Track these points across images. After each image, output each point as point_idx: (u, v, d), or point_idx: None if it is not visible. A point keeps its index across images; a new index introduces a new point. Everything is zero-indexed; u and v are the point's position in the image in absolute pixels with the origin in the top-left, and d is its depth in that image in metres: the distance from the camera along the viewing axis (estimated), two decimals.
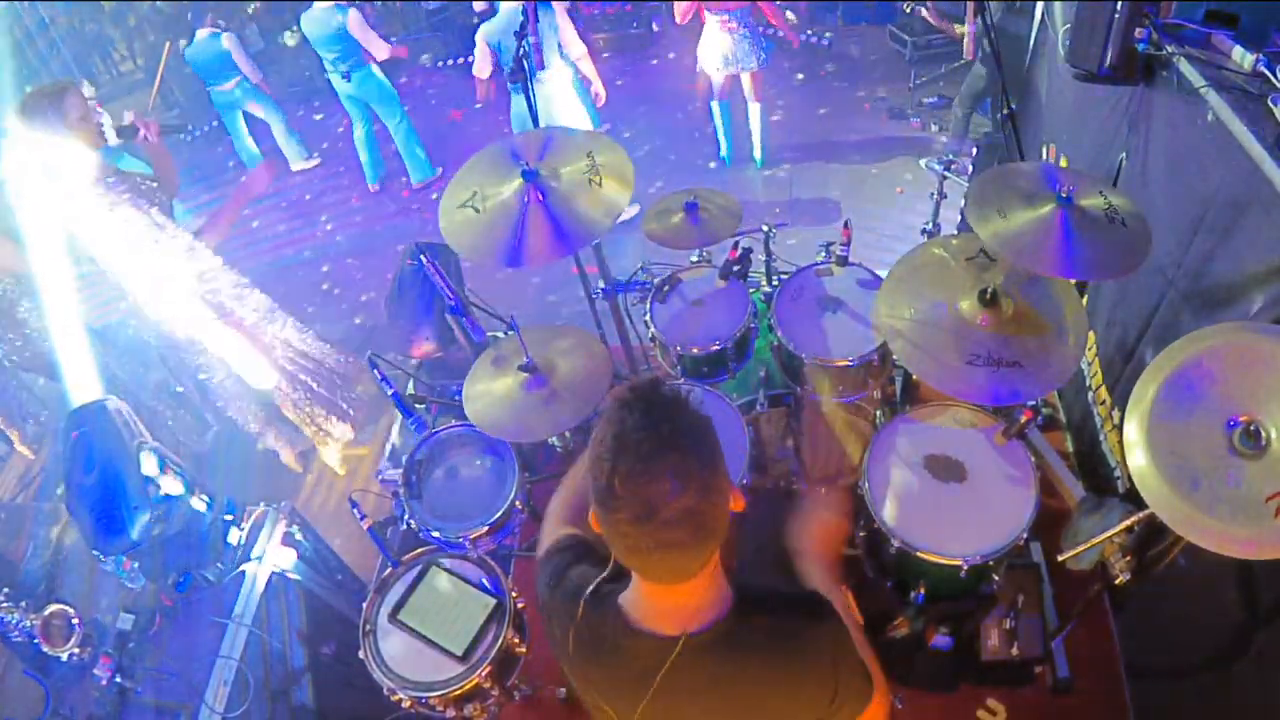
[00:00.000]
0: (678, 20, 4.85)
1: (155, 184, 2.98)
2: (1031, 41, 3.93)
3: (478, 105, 5.40)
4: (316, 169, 6.66)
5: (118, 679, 2.15)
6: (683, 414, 1.09)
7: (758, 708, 1.19)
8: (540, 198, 2.14)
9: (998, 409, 2.12)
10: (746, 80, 4.93)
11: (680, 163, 5.71)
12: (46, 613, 2.17)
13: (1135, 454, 1.56)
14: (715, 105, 5.20)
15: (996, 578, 2.13)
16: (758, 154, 5.38)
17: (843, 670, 1.21)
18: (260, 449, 3.82)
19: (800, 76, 6.42)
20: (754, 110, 5.14)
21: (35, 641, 2.15)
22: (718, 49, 4.78)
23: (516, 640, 2.17)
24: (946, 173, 2.60)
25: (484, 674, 2.06)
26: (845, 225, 2.50)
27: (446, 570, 2.24)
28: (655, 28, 7.56)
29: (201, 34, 5.71)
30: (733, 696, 1.18)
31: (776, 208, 5.04)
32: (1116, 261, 1.89)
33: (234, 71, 5.81)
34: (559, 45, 4.25)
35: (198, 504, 2.38)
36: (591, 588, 1.22)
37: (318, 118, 7.39)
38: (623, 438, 1.06)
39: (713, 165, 5.62)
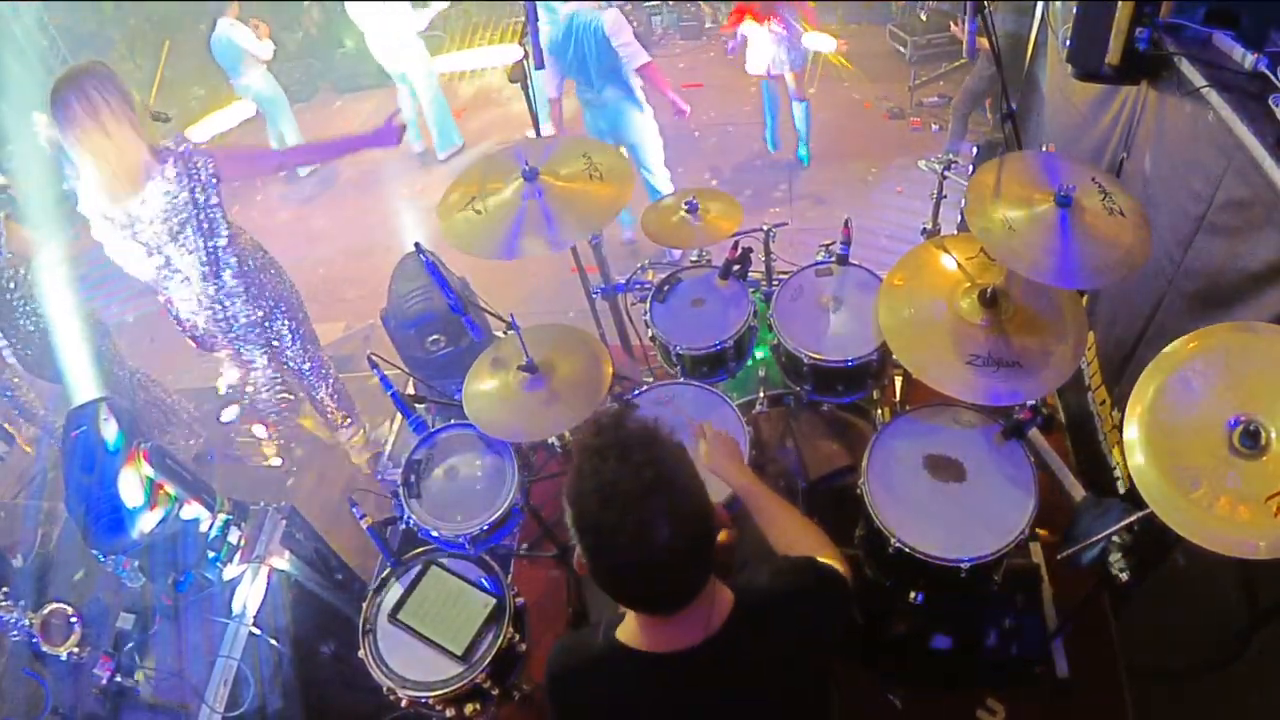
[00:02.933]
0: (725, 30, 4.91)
1: None
2: (1031, 41, 3.93)
3: None
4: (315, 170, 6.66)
5: (117, 678, 2.14)
6: (659, 450, 1.07)
7: (791, 671, 1.21)
8: (538, 195, 2.20)
9: (998, 409, 2.12)
10: (790, 79, 4.95)
11: (673, 162, 5.70)
12: (45, 612, 2.17)
13: (1135, 454, 1.56)
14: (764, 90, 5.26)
15: (996, 578, 2.13)
16: (801, 150, 5.37)
17: (828, 601, 1.28)
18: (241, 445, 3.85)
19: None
20: (797, 109, 5.14)
21: (34, 640, 2.14)
22: (761, 53, 4.84)
23: (516, 639, 2.17)
24: (946, 173, 2.59)
25: (483, 673, 2.06)
26: (845, 225, 2.50)
27: (446, 570, 2.24)
28: (655, 28, 7.56)
29: (224, 24, 5.74)
30: (764, 675, 1.19)
31: (775, 207, 5.05)
32: (1117, 264, 1.89)
33: (249, 64, 5.86)
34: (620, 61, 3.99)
35: (198, 504, 2.38)
36: (604, 639, 1.21)
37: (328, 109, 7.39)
38: (605, 490, 1.03)
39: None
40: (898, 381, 2.76)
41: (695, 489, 1.09)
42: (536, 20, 2.45)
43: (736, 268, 2.52)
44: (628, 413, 1.12)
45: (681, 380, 2.50)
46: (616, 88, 4.10)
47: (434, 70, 6.07)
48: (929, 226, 2.65)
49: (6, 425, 3.80)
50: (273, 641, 2.35)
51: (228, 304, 2.98)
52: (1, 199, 3.75)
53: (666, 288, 2.67)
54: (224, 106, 6.44)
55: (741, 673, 1.16)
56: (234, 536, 2.42)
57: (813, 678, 1.25)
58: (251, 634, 2.30)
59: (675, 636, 1.15)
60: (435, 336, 3.36)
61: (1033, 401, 2.03)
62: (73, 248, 3.31)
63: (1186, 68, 2.14)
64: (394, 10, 5.61)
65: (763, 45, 4.80)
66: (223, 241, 2.84)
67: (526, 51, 2.39)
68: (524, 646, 2.22)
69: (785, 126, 5.40)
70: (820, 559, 1.32)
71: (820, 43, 4.82)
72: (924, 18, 6.28)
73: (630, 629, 1.19)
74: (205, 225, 2.77)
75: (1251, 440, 1.46)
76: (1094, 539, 1.87)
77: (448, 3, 5.95)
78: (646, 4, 7.53)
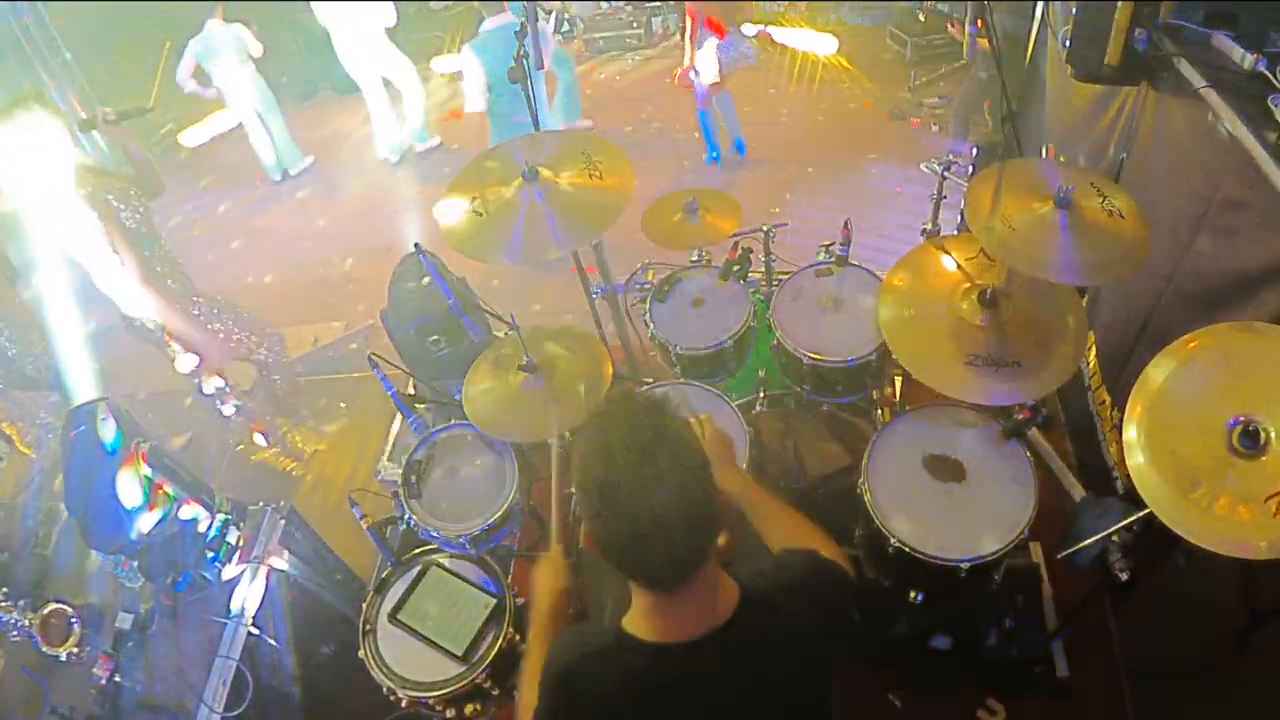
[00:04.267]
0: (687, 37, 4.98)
1: (128, 184, 3.02)
2: (1031, 42, 3.93)
3: None
4: (311, 169, 6.66)
5: (116, 678, 2.14)
6: (662, 418, 1.10)
7: (795, 664, 1.21)
8: (539, 197, 2.18)
9: (997, 409, 2.12)
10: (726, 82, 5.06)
11: (675, 162, 5.71)
12: (45, 612, 2.17)
13: (1134, 454, 1.56)
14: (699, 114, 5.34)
15: (996, 578, 2.13)
16: (736, 139, 5.42)
17: (832, 594, 1.30)
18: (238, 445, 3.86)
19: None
20: (720, 103, 5.21)
21: (34, 640, 2.14)
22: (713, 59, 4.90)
23: (517, 639, 2.17)
24: (946, 173, 2.59)
25: (484, 674, 2.06)
26: (845, 225, 2.50)
27: (446, 570, 2.24)
28: (655, 28, 7.57)
29: (212, 24, 5.73)
30: (769, 666, 1.19)
31: (775, 207, 5.04)
32: (1117, 263, 1.89)
33: (244, 60, 5.85)
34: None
35: (196, 504, 2.38)
36: (610, 629, 1.22)
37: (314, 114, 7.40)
38: (605, 450, 1.07)
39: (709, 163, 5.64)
40: (898, 382, 2.76)
41: (696, 458, 1.10)
42: (536, 20, 2.45)
43: (736, 268, 2.52)
44: (636, 390, 1.14)
45: (682, 380, 2.50)
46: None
47: (411, 67, 6.10)
48: (929, 227, 2.65)
49: (5, 424, 3.80)
50: (271, 641, 2.35)
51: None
52: None
53: (666, 288, 2.67)
54: (222, 108, 6.44)
55: (747, 663, 1.17)
56: (233, 536, 2.42)
57: (816, 673, 1.25)
58: (250, 634, 2.29)
59: (680, 624, 1.15)
60: (435, 337, 3.35)
61: (1032, 401, 2.03)
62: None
63: (1186, 68, 2.14)
64: (366, 10, 5.60)
65: (711, 55, 4.89)
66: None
67: (526, 52, 2.38)
68: (524, 647, 2.22)
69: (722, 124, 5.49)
70: (823, 553, 1.33)
71: (820, 44, 4.83)
72: (922, 18, 6.28)
73: (636, 618, 1.19)
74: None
75: (1251, 440, 1.46)
76: (1094, 539, 1.87)
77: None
78: (647, 4, 7.53)
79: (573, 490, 1.11)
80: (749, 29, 4.79)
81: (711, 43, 4.85)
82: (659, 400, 1.13)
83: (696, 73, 5.04)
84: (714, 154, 5.55)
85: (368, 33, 5.70)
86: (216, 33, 5.75)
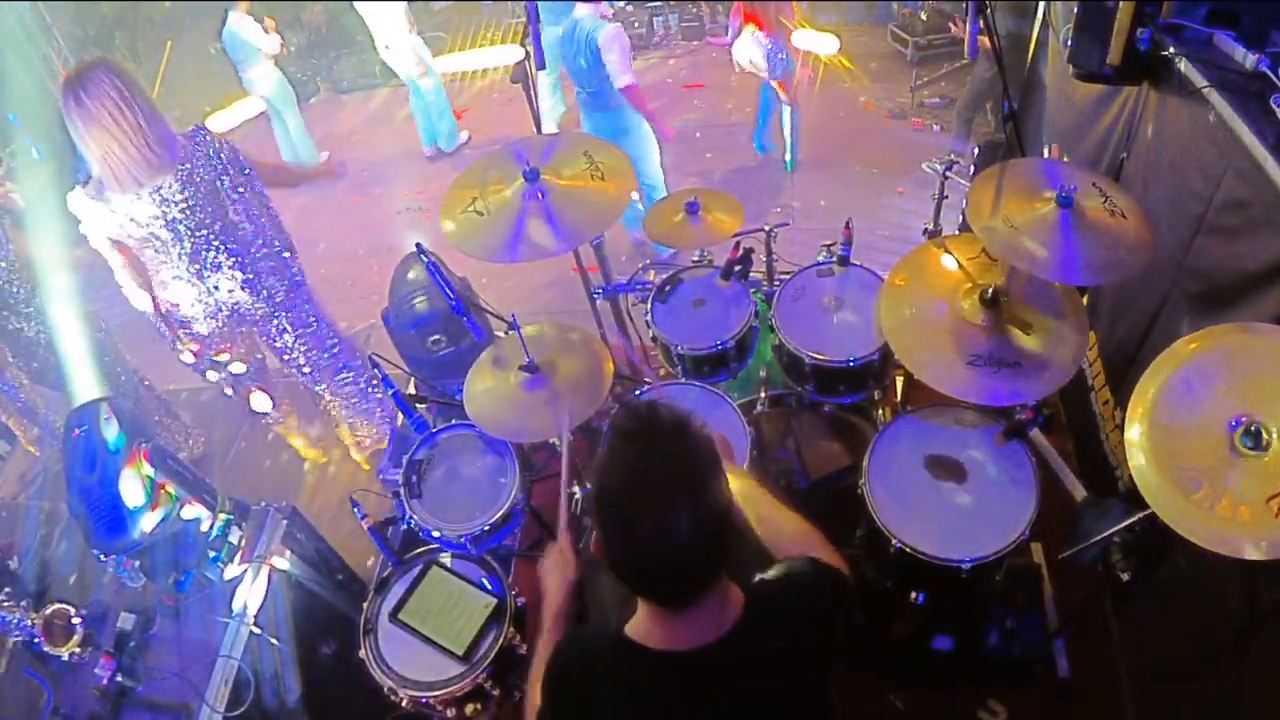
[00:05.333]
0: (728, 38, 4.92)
1: None
2: (1033, 41, 3.93)
3: None
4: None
5: (118, 678, 2.14)
6: (689, 442, 1.07)
7: (799, 665, 1.21)
8: (540, 196, 2.19)
9: (999, 409, 2.12)
10: (775, 86, 4.97)
11: (676, 161, 5.70)
12: (47, 612, 2.17)
13: (1136, 454, 1.57)
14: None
15: (997, 578, 2.13)
16: (787, 156, 5.35)
17: (833, 600, 1.29)
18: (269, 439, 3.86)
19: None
20: (785, 113, 5.14)
21: (36, 641, 2.14)
22: (744, 53, 4.86)
23: (517, 639, 2.17)
24: (948, 173, 2.59)
25: (484, 674, 2.06)
26: (846, 225, 2.50)
27: (447, 569, 2.24)
28: (656, 28, 7.56)
29: (234, 18, 5.72)
30: (773, 675, 1.18)
31: (777, 207, 5.04)
32: (1119, 262, 1.89)
33: (261, 55, 5.87)
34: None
35: (199, 504, 2.38)
36: (613, 634, 1.21)
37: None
38: (630, 474, 1.04)
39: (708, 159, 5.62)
40: (899, 382, 2.76)
41: (719, 485, 1.09)
42: (537, 20, 2.45)
43: (738, 268, 2.52)
44: (660, 405, 1.11)
45: (683, 380, 2.51)
46: (610, 96, 4.18)
47: (433, 68, 6.08)
48: (930, 227, 2.65)
49: (9, 422, 3.80)
50: (273, 641, 2.35)
51: (227, 296, 3.00)
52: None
53: (668, 288, 2.67)
54: (226, 106, 6.45)
55: (752, 672, 1.16)
56: (235, 536, 2.42)
57: (817, 678, 1.25)
58: (252, 633, 2.30)
59: (687, 634, 1.15)
60: (436, 336, 3.36)
61: (1034, 402, 2.03)
62: (76, 251, 3.31)
63: (1187, 68, 2.14)
64: (388, 10, 5.64)
65: (745, 44, 4.81)
66: (239, 230, 2.91)
67: (527, 52, 2.38)
68: (525, 647, 2.22)
69: (779, 131, 5.40)
70: (820, 558, 1.32)
71: (820, 44, 4.80)
72: (923, 17, 6.27)
73: (640, 625, 1.18)
74: (219, 213, 2.81)
75: (1253, 441, 1.47)
76: (1095, 539, 1.87)
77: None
78: (648, 4, 7.52)
79: (574, 491, 1.10)
80: (799, 40, 4.69)
81: (750, 32, 4.72)
82: (684, 420, 1.09)
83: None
84: (758, 136, 5.52)
85: (386, 30, 5.73)
86: (239, 25, 5.75)
